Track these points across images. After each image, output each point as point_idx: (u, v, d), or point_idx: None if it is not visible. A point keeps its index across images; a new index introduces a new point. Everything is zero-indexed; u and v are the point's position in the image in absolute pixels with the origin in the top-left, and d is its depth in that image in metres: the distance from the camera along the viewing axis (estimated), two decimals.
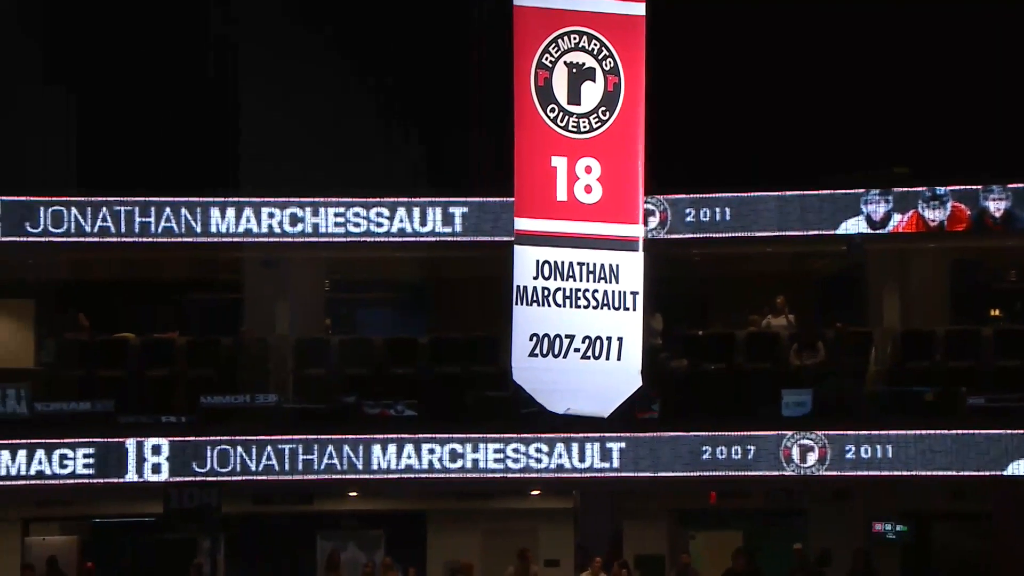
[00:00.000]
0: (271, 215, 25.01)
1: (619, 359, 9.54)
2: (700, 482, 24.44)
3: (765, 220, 25.13)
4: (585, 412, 9.62)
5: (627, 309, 9.58)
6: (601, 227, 9.65)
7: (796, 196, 25.13)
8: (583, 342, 9.53)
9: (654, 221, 24.97)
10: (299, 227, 25.05)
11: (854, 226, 24.96)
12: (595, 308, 9.58)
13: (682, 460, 24.21)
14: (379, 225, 25.12)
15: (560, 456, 24.22)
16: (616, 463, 24.21)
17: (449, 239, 25.18)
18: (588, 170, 9.67)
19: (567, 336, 9.52)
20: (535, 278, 9.59)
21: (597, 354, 9.54)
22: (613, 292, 9.60)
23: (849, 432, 24.10)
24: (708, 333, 26.78)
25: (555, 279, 9.59)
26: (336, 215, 25.09)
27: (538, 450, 24.23)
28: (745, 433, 24.20)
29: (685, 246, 25.41)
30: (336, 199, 25.13)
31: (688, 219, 25.21)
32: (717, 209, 25.23)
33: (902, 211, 24.94)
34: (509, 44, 9.86)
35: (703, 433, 24.21)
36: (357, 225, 25.11)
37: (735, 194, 25.20)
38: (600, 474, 24.21)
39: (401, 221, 25.13)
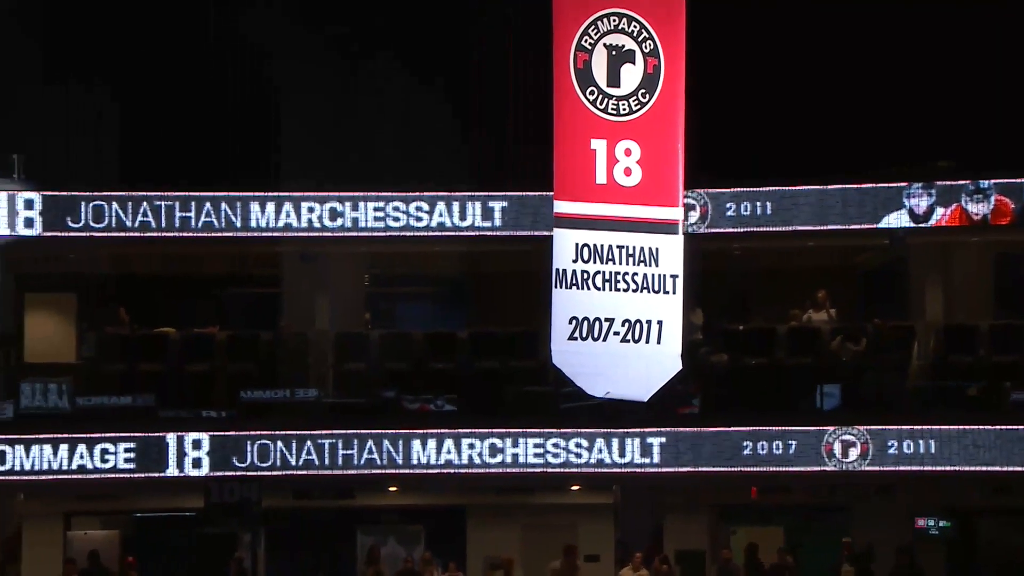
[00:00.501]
0: (311, 209, 25.01)
1: (659, 342, 9.48)
2: (741, 477, 24.32)
3: (806, 214, 24.97)
4: (625, 396, 9.56)
5: (667, 292, 9.52)
6: (641, 210, 9.59)
7: (838, 190, 24.97)
8: (623, 325, 9.48)
9: (695, 215, 24.85)
10: (339, 221, 25.05)
11: (896, 220, 24.79)
12: (635, 291, 9.52)
13: (723, 455, 24.10)
14: (418, 219, 25.10)
15: (600, 451, 24.14)
16: (657, 458, 24.11)
17: (489, 233, 25.14)
18: (628, 153, 9.61)
19: (607, 319, 9.47)
20: (574, 261, 9.55)
21: (637, 337, 9.48)
22: (653, 275, 9.54)
23: (891, 427, 23.93)
24: (749, 328, 26.65)
25: (594, 262, 9.54)
26: (376, 209, 25.08)
27: (578, 445, 24.15)
28: (786, 428, 24.06)
29: (726, 240, 25.29)
30: (376, 193, 25.11)
31: (729, 213, 25.08)
32: (758, 203, 25.07)
33: (945, 204, 24.75)
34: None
35: (744, 428, 24.09)
36: (396, 219, 25.09)
37: (776, 188, 25.05)
38: (640, 469, 24.12)
39: (441, 215, 25.09)
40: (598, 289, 9.53)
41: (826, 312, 26.40)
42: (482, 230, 25.12)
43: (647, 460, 24.11)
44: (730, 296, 27.18)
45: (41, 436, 23.93)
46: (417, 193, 25.11)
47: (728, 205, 25.07)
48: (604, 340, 9.48)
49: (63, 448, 23.93)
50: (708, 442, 24.13)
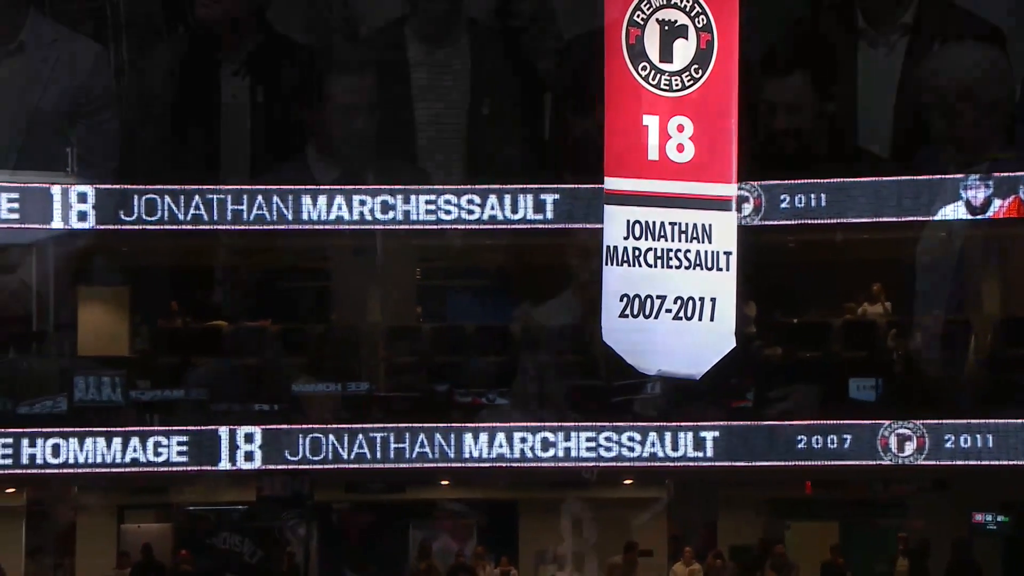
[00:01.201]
0: (362, 202, 25.00)
1: (712, 320, 9.41)
2: (795, 472, 24.14)
3: (861, 206, 24.76)
4: (677, 374, 9.49)
5: (720, 269, 9.46)
6: (694, 186, 9.54)
7: (893, 182, 24.74)
8: (675, 303, 9.42)
9: (748, 207, 24.67)
10: (390, 214, 25.03)
11: (952, 212, 24.55)
12: (687, 268, 9.46)
13: (777, 450, 23.93)
14: (470, 212, 25.04)
15: (653, 445, 24.01)
16: (710, 452, 23.96)
17: (541, 226, 25.05)
18: (680, 129, 9.55)
19: (658, 297, 9.41)
20: (626, 238, 9.49)
21: (689, 315, 9.42)
22: (706, 252, 9.48)
23: (948, 421, 23.70)
24: (803, 321, 26.47)
25: (646, 239, 9.49)
26: (427, 202, 25.04)
27: (631, 439, 24.04)
28: (841, 422, 23.88)
29: (779, 233, 25.09)
30: (427, 186, 25.09)
31: (783, 205, 24.90)
32: (812, 195, 24.88)
33: (1003, 196, 24.49)
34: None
35: (798, 422, 23.92)
36: (448, 212, 25.05)
37: (830, 180, 24.85)
38: (694, 463, 23.97)
39: (492, 208, 25.03)
40: (650, 266, 9.47)
41: (881, 305, 26.19)
42: (534, 223, 25.04)
43: (700, 454, 23.96)
44: (784, 289, 26.99)
45: (95, 429, 24.03)
46: (469, 186, 25.07)
47: (782, 197, 24.88)
48: (656, 317, 9.41)
49: (116, 441, 24.02)
50: (762, 436, 23.96)
